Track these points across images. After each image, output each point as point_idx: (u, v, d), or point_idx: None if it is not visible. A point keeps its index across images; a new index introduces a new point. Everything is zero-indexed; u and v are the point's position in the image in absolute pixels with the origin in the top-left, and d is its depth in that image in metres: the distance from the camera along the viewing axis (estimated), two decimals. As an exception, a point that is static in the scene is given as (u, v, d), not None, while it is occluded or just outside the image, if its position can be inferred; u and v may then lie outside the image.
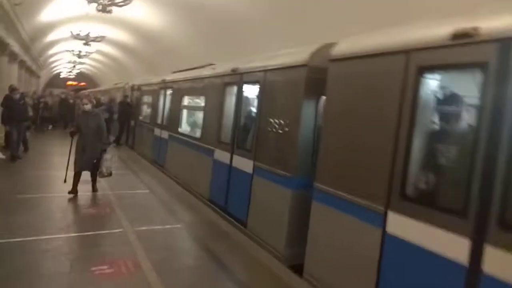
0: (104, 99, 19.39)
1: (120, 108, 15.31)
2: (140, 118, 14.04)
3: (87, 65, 38.27)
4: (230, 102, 7.03)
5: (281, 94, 5.27)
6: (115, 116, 15.52)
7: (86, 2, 11.33)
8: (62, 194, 7.06)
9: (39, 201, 6.59)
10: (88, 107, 7.30)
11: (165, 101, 11.05)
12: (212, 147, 7.34)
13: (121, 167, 10.60)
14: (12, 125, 10.13)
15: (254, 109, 6.13)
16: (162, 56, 19.72)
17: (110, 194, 7.46)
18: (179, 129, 9.58)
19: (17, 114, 10.12)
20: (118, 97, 19.10)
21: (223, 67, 7.49)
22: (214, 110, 7.47)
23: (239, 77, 6.52)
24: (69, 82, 47.08)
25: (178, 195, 7.82)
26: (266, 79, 5.62)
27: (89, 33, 16.32)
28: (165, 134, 10.55)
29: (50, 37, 21.37)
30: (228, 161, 6.62)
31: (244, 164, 6.03)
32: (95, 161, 7.21)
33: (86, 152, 7.07)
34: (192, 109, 9.77)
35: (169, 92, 10.82)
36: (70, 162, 7.36)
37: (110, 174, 7.42)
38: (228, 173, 6.56)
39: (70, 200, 6.87)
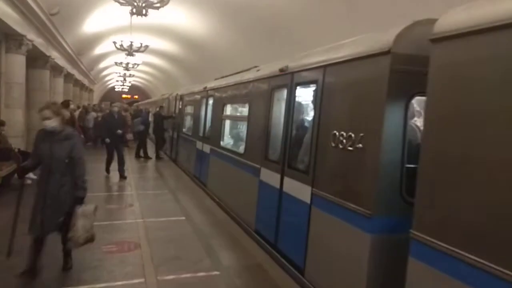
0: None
1: (155, 120, 14.83)
2: (183, 130, 13.09)
3: (137, 78, 38.83)
4: (279, 109, 5.64)
5: (350, 96, 3.79)
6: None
7: (128, 11, 10.57)
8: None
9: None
10: (51, 123, 4.05)
11: (207, 111, 9.91)
12: (257, 165, 5.98)
13: (158, 186, 9.60)
14: None
15: (310, 118, 4.69)
16: (206, 63, 18.90)
17: (139, 222, 6.32)
18: (221, 143, 8.35)
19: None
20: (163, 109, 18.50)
21: (268, 67, 6.14)
22: (259, 121, 6.12)
23: (289, 78, 5.13)
24: (124, 96, 48.28)
25: (220, 223, 6.53)
26: (326, 77, 4.18)
27: (132, 43, 15.72)
28: (206, 148, 9.37)
29: (98, 50, 21.36)
30: (277, 184, 5.22)
31: (298, 189, 4.60)
32: (62, 218, 4.14)
33: (47, 202, 4.07)
34: (234, 119, 8.50)
35: (210, 101, 9.66)
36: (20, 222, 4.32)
37: (90, 240, 4.32)
38: (278, 200, 5.15)
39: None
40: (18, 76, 10.16)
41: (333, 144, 3.92)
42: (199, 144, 10.27)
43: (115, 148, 10.37)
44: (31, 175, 8.91)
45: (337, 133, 3.88)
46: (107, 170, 10.56)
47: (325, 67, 4.20)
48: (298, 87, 4.94)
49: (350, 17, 8.88)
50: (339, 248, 3.74)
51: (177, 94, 14.91)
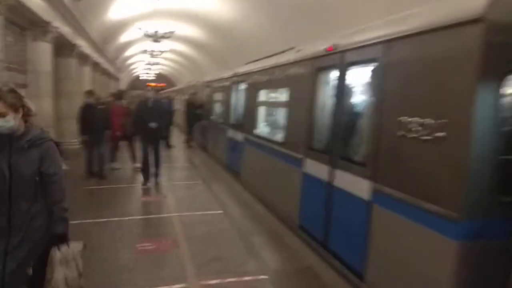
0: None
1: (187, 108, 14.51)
2: (213, 117, 12.68)
3: (163, 66, 38.73)
4: (326, 93, 5.09)
5: (424, 76, 3.19)
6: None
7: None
8: None
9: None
10: (7, 123, 2.55)
11: (238, 97, 9.42)
12: (300, 156, 5.47)
13: (190, 176, 9.24)
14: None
15: (367, 103, 4.12)
16: (234, 49, 18.32)
17: (175, 216, 5.95)
18: (256, 131, 7.86)
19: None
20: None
21: (312, 47, 5.57)
22: (301, 106, 5.58)
23: (338, 58, 4.55)
24: (150, 84, 48.40)
25: (259, 217, 6.09)
26: (390, 54, 3.59)
27: (157, 30, 15.35)
28: (239, 136, 8.91)
29: (123, 38, 21.11)
30: (325, 177, 4.70)
31: (354, 184, 4.07)
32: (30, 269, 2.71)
33: (9, 247, 2.57)
34: (271, 105, 7.97)
35: (242, 86, 9.15)
36: None
37: None
38: (327, 195, 4.64)
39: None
40: (45, 64, 9.92)
41: (401, 133, 3.36)
42: (230, 132, 9.83)
43: (153, 149, 7.98)
44: (63, 165, 8.79)
45: (406, 120, 3.31)
46: (146, 178, 7.98)
47: (387, 43, 3.61)
48: (350, 67, 4.36)
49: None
50: (413, 254, 3.20)
51: (205, 81, 14.49)
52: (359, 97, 4.39)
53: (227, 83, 10.61)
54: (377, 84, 3.75)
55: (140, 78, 47.06)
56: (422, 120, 3.12)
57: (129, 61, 33.53)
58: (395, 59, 3.53)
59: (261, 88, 7.79)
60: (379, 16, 4.83)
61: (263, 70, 7.56)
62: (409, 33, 3.32)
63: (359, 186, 3.96)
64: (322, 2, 10.53)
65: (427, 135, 3.08)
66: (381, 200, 3.61)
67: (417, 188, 3.17)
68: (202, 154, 12.90)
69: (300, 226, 5.38)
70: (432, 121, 3.01)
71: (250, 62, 9.27)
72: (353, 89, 4.45)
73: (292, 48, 7.04)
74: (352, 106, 4.47)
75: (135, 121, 8.13)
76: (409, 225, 3.22)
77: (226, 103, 10.63)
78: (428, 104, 3.11)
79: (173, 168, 10.31)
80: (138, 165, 8.72)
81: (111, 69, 25.57)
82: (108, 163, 8.80)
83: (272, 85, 7.32)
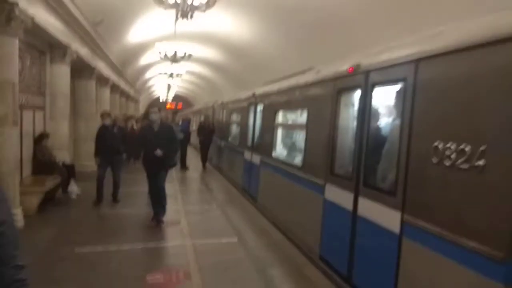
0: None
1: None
2: (229, 139, 12.48)
3: (181, 87, 39.12)
4: (348, 115, 4.81)
5: (462, 96, 2.87)
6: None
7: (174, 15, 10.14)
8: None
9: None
10: None
11: (256, 118, 9.19)
12: (320, 181, 5.14)
13: (205, 200, 8.96)
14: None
15: (394, 126, 3.80)
16: (252, 70, 18.29)
17: (188, 245, 5.64)
18: (273, 153, 7.57)
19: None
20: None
21: (332, 67, 5.31)
22: (321, 129, 5.28)
23: (362, 78, 4.27)
24: (168, 105, 49.02)
25: (276, 246, 5.72)
26: (424, 73, 3.28)
27: (176, 52, 15.41)
28: (256, 159, 8.63)
29: (143, 61, 21.40)
30: (349, 206, 4.35)
31: (381, 214, 3.71)
32: None
33: None
34: (289, 128, 7.70)
35: (260, 107, 8.94)
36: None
37: None
38: (351, 224, 4.28)
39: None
40: (63, 86, 9.95)
41: (435, 160, 3.02)
42: (247, 154, 9.57)
43: (154, 178, 6.70)
44: (75, 188, 8.62)
45: (440, 146, 2.97)
46: (156, 216, 6.67)
47: (420, 61, 3.31)
48: (375, 88, 4.07)
49: (410, 10, 7.87)
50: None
51: (222, 101, 14.39)
52: (386, 119, 4.08)
53: (244, 104, 10.42)
54: (406, 106, 3.43)
55: (160, 100, 47.69)
56: (458, 146, 2.79)
57: (149, 83, 34.04)
58: (428, 78, 3.22)
59: (279, 109, 7.54)
60: (399, 37, 4.59)
61: (281, 91, 7.33)
62: (447, 50, 3.02)
63: (387, 217, 3.60)
64: (339, 23, 10.37)
65: (464, 162, 2.74)
66: (412, 233, 3.25)
67: (452, 221, 2.81)
68: (218, 177, 12.64)
69: (321, 257, 5.01)
70: (469, 147, 2.67)
71: (268, 83, 9.08)
72: (379, 111, 4.15)
73: (310, 69, 6.82)
74: (377, 129, 4.15)
75: (137, 148, 7.69)
76: (444, 263, 2.85)
77: (243, 124, 10.42)
78: (466, 128, 2.78)
79: (187, 191, 10.05)
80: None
81: (130, 91, 25.91)
82: (121, 186, 8.45)
83: (290, 106, 7.07)
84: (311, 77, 5.90)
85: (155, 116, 6.74)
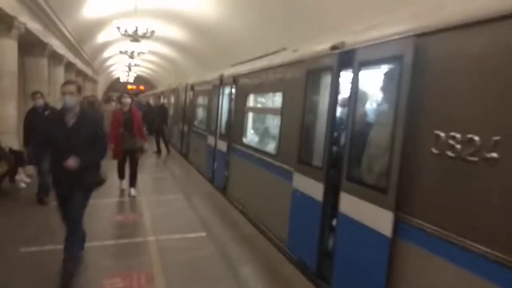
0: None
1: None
2: (195, 123, 11.85)
3: (143, 68, 37.60)
4: (327, 98, 4.37)
5: (473, 77, 2.49)
6: None
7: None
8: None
9: None
10: None
11: (224, 102, 8.63)
12: (289, 168, 4.75)
13: (171, 188, 8.37)
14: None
15: (387, 110, 3.40)
16: (219, 51, 17.54)
17: (151, 241, 5.10)
18: (244, 140, 7.08)
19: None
20: (172, 99, 17.30)
21: (312, 46, 4.85)
22: (299, 113, 4.84)
23: (346, 58, 3.84)
24: (129, 87, 47.15)
25: (248, 240, 5.30)
26: (421, 51, 2.87)
27: (137, 28, 14.40)
28: (224, 145, 8.11)
29: (100, 38, 20.08)
30: (319, 198, 3.98)
31: (366, 213, 3.34)
32: None
33: None
34: (262, 112, 7.22)
35: (228, 90, 8.38)
36: None
37: None
38: (320, 219, 3.92)
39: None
40: (9, 63, 8.93)
41: (436, 151, 2.65)
42: (214, 140, 9.02)
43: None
44: (23, 177, 7.72)
45: (442, 135, 2.60)
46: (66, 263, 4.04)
47: (417, 38, 2.90)
48: (362, 68, 3.64)
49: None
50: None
51: (187, 83, 13.66)
52: (375, 103, 3.68)
53: (211, 87, 9.81)
54: (402, 88, 3.03)
55: (121, 80, 45.74)
56: (464, 136, 2.43)
57: (108, 63, 32.32)
58: (431, 56, 2.81)
59: (250, 93, 7.03)
60: (374, 18, 4.18)
61: (252, 72, 6.81)
62: (450, 25, 2.61)
63: (373, 216, 3.23)
64: (312, 3, 9.91)
65: (472, 155, 2.38)
66: (408, 235, 2.90)
67: (461, 224, 2.46)
68: (184, 164, 12.02)
69: (289, 248, 4.64)
70: (478, 138, 2.32)
71: (237, 64, 8.51)
72: (367, 94, 3.74)
73: (284, 49, 6.34)
74: (366, 115, 3.75)
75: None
76: (454, 272, 2.50)
77: (210, 108, 9.81)
78: (474, 115, 2.41)
79: (150, 179, 9.40)
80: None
81: (88, 70, 24.41)
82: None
83: (263, 89, 6.57)
84: (287, 57, 5.42)
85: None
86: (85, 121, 4.11)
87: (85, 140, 3.99)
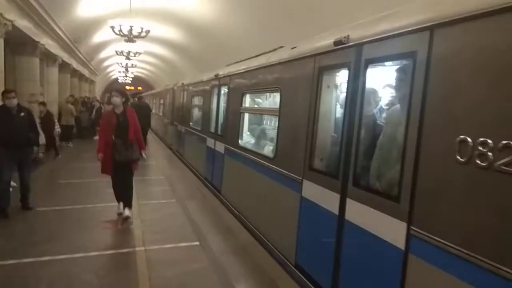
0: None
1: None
2: (191, 124, 11.49)
3: (140, 69, 37.22)
4: (332, 99, 4.03)
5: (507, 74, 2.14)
6: None
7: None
8: None
9: None
10: None
11: (220, 102, 8.28)
12: (297, 177, 4.36)
13: (163, 192, 8.00)
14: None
15: (399, 113, 3.03)
16: (215, 51, 17.21)
17: (139, 252, 4.73)
18: (240, 142, 6.72)
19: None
20: (168, 98, 16.93)
21: (312, 42, 4.49)
22: (297, 114, 4.49)
23: (352, 54, 3.47)
24: (127, 87, 46.87)
25: (245, 250, 4.93)
26: (440, 45, 2.52)
27: (131, 27, 14.02)
28: (220, 147, 7.76)
29: (96, 38, 19.71)
30: (333, 209, 3.61)
31: (379, 224, 2.98)
32: None
33: None
34: (259, 113, 6.86)
35: (224, 90, 8.03)
36: None
37: None
38: (337, 231, 3.54)
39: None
40: (-5, 62, 8.56)
41: (461, 158, 2.29)
42: (210, 142, 8.66)
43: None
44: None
45: (471, 140, 2.25)
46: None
47: (433, 30, 2.55)
48: (370, 65, 3.28)
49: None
50: None
51: (182, 83, 13.30)
52: (387, 104, 3.33)
53: (207, 87, 9.46)
54: (417, 87, 2.67)
55: (119, 81, 45.38)
56: (498, 142, 2.07)
57: (106, 63, 31.93)
58: (448, 50, 2.46)
59: (247, 93, 6.67)
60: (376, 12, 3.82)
61: (249, 71, 6.45)
62: (485, 10, 2.25)
63: (387, 228, 2.88)
64: (309, 2, 9.58)
65: (508, 165, 2.02)
66: (421, 250, 2.55)
67: (492, 247, 2.10)
68: (179, 165, 11.66)
69: (297, 266, 4.27)
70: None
71: (233, 63, 8.16)
72: (376, 94, 3.39)
73: (281, 47, 5.99)
74: (374, 117, 3.39)
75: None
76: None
77: (206, 108, 9.46)
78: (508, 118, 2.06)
79: (141, 181, 9.00)
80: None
81: (84, 71, 24.03)
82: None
83: (260, 88, 6.20)
84: (286, 54, 5.06)
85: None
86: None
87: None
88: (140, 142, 6.08)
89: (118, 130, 5.77)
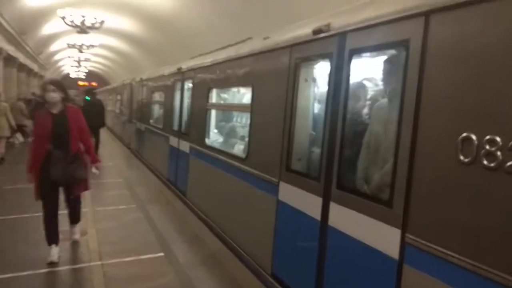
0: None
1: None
2: (151, 121, 10.86)
3: (95, 63, 35.59)
4: (312, 93, 3.71)
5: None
6: None
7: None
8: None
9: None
10: None
11: (184, 98, 7.78)
12: (273, 179, 4.01)
13: (123, 196, 7.40)
14: None
15: (390, 108, 2.74)
16: (177, 45, 16.52)
17: (96, 267, 4.20)
18: (207, 141, 6.28)
19: None
20: (126, 94, 16.05)
21: (287, 32, 4.14)
22: (272, 111, 4.12)
23: (334, 44, 3.15)
24: (80, 83, 44.76)
25: (215, 260, 4.52)
26: (436, 32, 2.25)
27: (84, 18, 13.12)
28: (185, 146, 7.27)
29: (46, 30, 18.42)
30: (315, 213, 3.29)
31: (369, 231, 2.69)
32: None
33: None
34: (229, 109, 6.44)
35: (188, 85, 7.54)
36: None
37: None
38: (319, 238, 3.23)
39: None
40: None
41: (465, 159, 2.02)
42: (173, 141, 8.14)
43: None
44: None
45: (476, 138, 1.98)
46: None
47: (429, 15, 2.26)
48: (355, 56, 2.97)
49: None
50: None
51: (141, 78, 12.60)
52: (375, 98, 3.03)
53: (169, 82, 8.90)
54: (411, 79, 2.39)
55: (71, 76, 43.20)
56: (508, 140, 1.81)
57: (56, 57, 30.16)
58: (447, 39, 2.18)
59: (214, 87, 6.23)
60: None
61: (216, 64, 6.01)
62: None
63: (376, 236, 2.59)
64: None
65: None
66: (418, 259, 2.28)
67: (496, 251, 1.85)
68: (139, 166, 11.02)
69: (273, 275, 3.93)
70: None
71: (197, 56, 7.69)
72: (363, 88, 3.09)
73: (249, 39, 5.62)
74: (360, 113, 3.09)
75: None
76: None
77: (168, 105, 8.91)
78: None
79: (97, 185, 8.31)
80: None
81: (33, 65, 22.49)
82: None
83: (229, 83, 5.79)
84: (258, 46, 4.67)
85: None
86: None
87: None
88: (91, 152, 4.72)
89: (55, 137, 4.29)
